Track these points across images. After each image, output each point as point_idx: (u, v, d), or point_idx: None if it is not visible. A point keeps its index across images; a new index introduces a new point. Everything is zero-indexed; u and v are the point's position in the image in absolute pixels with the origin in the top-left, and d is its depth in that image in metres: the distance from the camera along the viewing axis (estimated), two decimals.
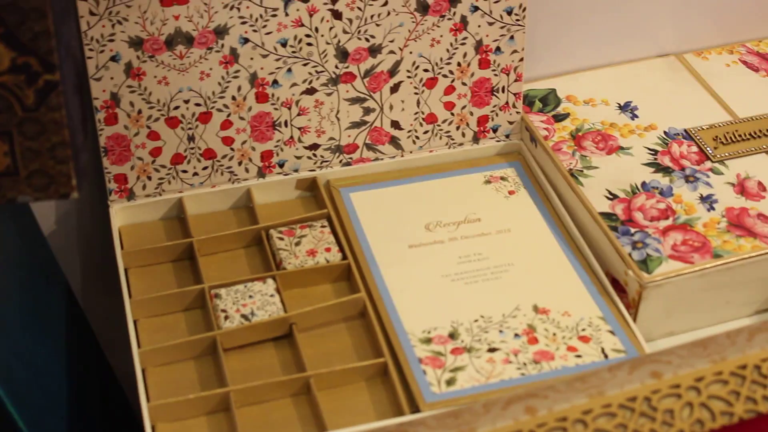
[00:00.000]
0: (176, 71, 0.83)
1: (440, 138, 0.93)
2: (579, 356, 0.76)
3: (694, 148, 0.91)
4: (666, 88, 0.99)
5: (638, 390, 0.65)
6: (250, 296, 0.80)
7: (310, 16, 0.83)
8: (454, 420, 0.65)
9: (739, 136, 0.93)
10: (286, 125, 0.88)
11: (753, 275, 0.83)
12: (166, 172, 0.87)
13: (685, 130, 0.93)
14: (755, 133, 0.93)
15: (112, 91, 0.82)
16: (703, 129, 0.93)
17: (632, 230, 0.83)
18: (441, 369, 0.75)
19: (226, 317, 0.78)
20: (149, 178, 0.87)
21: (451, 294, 0.81)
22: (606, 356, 0.77)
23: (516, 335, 0.78)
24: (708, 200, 0.86)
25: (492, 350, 0.77)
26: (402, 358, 0.76)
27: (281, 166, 0.90)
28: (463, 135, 0.94)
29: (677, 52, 1.04)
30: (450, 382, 0.74)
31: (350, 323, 0.81)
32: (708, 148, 0.91)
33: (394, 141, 0.92)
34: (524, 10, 0.89)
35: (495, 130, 0.94)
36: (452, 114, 0.92)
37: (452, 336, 0.78)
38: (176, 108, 0.84)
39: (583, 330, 0.78)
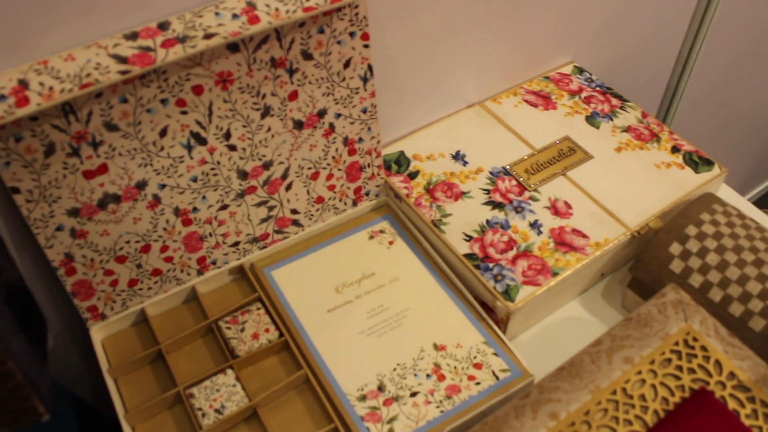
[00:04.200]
0: (113, 223, 0.60)
1: (329, 210, 0.74)
2: (478, 383, 0.61)
3: (514, 182, 0.75)
4: (480, 134, 0.81)
5: None
6: (218, 390, 0.61)
7: (211, 154, 0.62)
8: None
9: (541, 165, 0.77)
10: (211, 236, 0.67)
11: (579, 277, 0.69)
12: (127, 294, 0.66)
13: (504, 168, 0.76)
14: (551, 160, 0.77)
15: (64, 252, 0.59)
16: (515, 164, 0.77)
17: (490, 265, 0.67)
18: (380, 423, 0.59)
19: (203, 414, 0.59)
20: (114, 302, 0.65)
21: (370, 348, 0.64)
22: (497, 377, 0.61)
23: (428, 375, 0.62)
24: (536, 226, 0.70)
25: (413, 394, 0.60)
26: (348, 419, 0.59)
27: (214, 263, 0.69)
28: (345, 203, 0.75)
29: (479, 101, 0.86)
30: None
31: (299, 388, 0.63)
32: (523, 180, 0.75)
33: (295, 222, 0.72)
34: (375, 107, 0.69)
35: (368, 194, 0.76)
36: (335, 192, 0.73)
37: (380, 388, 0.61)
38: (121, 249, 0.62)
39: (475, 357, 0.63)
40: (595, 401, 0.52)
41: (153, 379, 0.64)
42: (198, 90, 0.58)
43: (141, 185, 0.60)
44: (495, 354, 0.63)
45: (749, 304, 0.61)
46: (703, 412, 0.50)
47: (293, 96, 0.64)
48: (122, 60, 0.52)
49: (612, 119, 0.83)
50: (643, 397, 0.52)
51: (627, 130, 0.81)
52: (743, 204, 0.82)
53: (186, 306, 0.70)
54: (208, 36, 0.54)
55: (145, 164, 0.59)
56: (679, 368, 0.54)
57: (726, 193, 0.82)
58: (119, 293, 0.65)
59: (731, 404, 0.52)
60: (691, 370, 0.54)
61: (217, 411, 0.60)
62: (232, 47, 0.57)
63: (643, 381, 0.53)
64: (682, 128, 1.32)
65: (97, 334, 0.66)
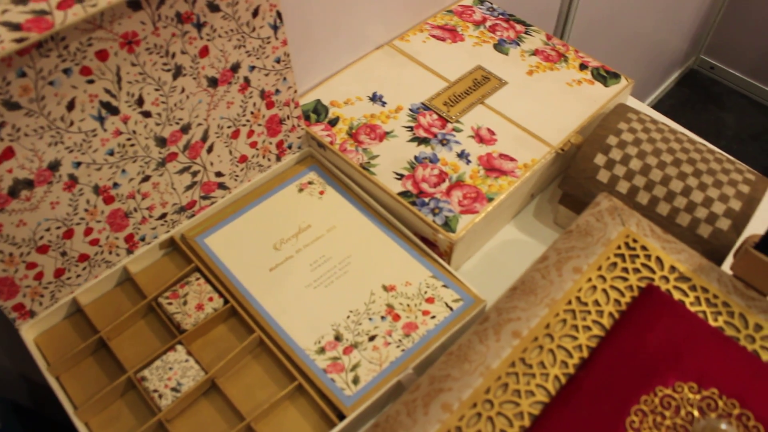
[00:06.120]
0: (29, 211, 0.56)
1: (254, 168, 0.72)
2: (433, 317, 0.62)
3: (435, 116, 0.75)
4: (393, 73, 0.80)
5: (512, 354, 0.51)
6: (170, 368, 0.58)
7: (125, 123, 0.58)
8: None
9: (458, 96, 0.77)
10: (136, 210, 0.64)
11: (513, 200, 0.70)
12: (54, 286, 0.61)
13: (422, 103, 0.76)
14: (467, 90, 0.77)
15: None
16: (433, 98, 0.76)
17: (426, 200, 0.67)
18: (343, 372, 0.58)
19: (160, 396, 0.57)
20: (42, 296, 0.61)
21: (320, 300, 0.63)
22: (451, 308, 0.62)
23: (382, 317, 0.62)
24: (464, 155, 0.71)
25: (372, 338, 0.60)
26: (310, 374, 0.58)
27: (143, 239, 0.66)
28: (269, 159, 0.73)
29: (387, 41, 0.84)
30: (355, 380, 0.58)
31: (254, 352, 0.61)
32: (443, 113, 0.75)
33: (221, 186, 0.70)
34: (288, 56, 0.67)
35: (290, 147, 0.74)
36: (257, 149, 0.71)
37: (337, 338, 0.60)
38: (41, 238, 0.58)
39: (426, 292, 0.63)
40: (553, 314, 0.54)
41: (98, 369, 0.61)
42: (103, 55, 0.54)
43: (54, 166, 0.56)
44: (444, 286, 0.64)
45: (674, 202, 0.65)
46: (654, 306, 0.53)
47: (204, 52, 0.60)
48: (15, 27, 0.47)
49: (519, 44, 0.84)
50: (597, 303, 0.55)
51: (535, 53, 0.83)
52: (650, 111, 0.85)
53: (120, 288, 0.66)
54: None
55: (56, 142, 0.55)
56: (625, 270, 0.56)
57: (633, 104, 0.85)
58: (46, 286, 0.61)
59: (676, 295, 0.55)
60: (636, 270, 0.56)
61: (173, 390, 0.57)
62: (134, 5, 0.53)
63: (594, 287, 0.55)
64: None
65: (28, 333, 0.62)
